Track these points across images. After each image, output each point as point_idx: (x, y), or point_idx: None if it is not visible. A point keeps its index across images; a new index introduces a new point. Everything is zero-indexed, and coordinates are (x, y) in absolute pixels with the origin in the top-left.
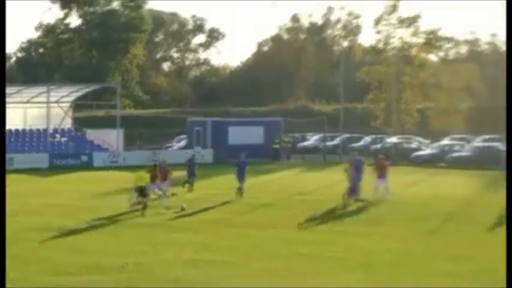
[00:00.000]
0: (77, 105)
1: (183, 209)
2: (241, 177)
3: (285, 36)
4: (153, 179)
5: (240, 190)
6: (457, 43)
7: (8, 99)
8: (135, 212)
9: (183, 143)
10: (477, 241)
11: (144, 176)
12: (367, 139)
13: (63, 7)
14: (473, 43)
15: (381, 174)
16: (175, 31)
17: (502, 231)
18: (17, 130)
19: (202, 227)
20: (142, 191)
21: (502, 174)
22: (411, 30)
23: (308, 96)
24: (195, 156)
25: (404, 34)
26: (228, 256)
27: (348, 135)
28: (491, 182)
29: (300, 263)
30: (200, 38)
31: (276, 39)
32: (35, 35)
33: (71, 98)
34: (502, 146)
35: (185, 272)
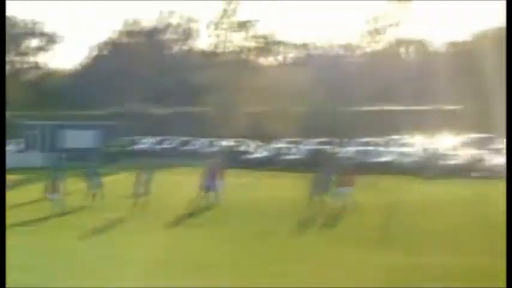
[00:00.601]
0: None
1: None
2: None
3: (122, 40)
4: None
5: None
6: (292, 47)
7: None
8: None
9: (17, 147)
10: (307, 241)
11: None
12: (202, 142)
13: None
14: (307, 47)
15: (216, 177)
16: (11, 34)
17: (341, 232)
18: None
19: (33, 230)
20: None
21: (303, 176)
22: (247, 34)
23: (144, 99)
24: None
25: (240, 38)
26: (58, 259)
27: (183, 138)
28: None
29: (133, 266)
30: (36, 41)
31: (113, 42)
32: None
33: None
34: (332, 149)
35: (13, 275)
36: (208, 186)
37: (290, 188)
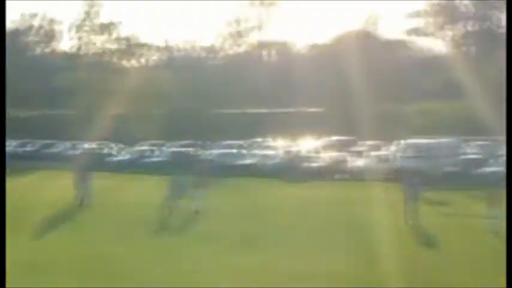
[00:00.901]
0: None
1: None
2: None
3: None
4: None
5: None
6: (155, 49)
7: None
8: None
9: None
10: (163, 244)
11: None
12: (65, 145)
13: None
14: (170, 49)
15: (82, 179)
16: None
17: (197, 234)
18: None
19: None
20: None
21: (165, 178)
22: (110, 36)
23: (7, 102)
24: None
25: (103, 40)
26: None
27: (47, 141)
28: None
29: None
30: None
31: None
32: None
33: None
34: (195, 152)
35: None
36: (77, 188)
37: (151, 191)
